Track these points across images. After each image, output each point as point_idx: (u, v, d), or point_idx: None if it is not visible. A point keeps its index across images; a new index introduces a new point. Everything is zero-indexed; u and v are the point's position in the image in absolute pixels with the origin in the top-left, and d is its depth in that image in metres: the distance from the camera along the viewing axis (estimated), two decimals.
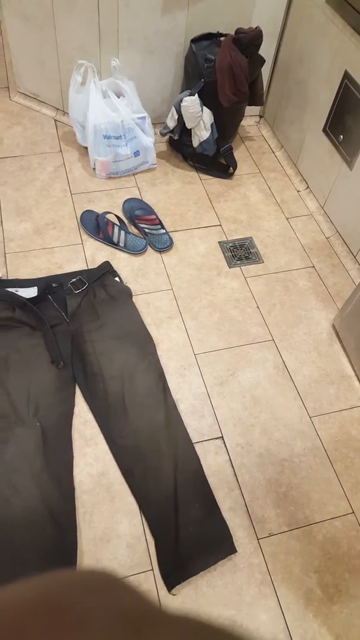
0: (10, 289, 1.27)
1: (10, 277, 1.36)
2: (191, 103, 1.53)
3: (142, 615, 0.23)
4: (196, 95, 1.54)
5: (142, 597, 0.25)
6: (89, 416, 1.13)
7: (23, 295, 1.25)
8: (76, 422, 1.12)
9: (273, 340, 1.31)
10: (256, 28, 1.53)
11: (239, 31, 1.54)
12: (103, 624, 0.21)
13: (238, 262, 1.48)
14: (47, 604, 0.22)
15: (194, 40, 1.57)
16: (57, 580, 0.25)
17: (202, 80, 1.53)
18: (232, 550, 0.98)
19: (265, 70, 1.71)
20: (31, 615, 0.21)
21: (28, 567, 0.93)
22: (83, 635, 0.20)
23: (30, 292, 1.28)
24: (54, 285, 1.29)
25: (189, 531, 0.99)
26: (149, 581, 0.94)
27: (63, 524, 0.99)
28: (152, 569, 0.96)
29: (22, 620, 0.21)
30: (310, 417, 1.17)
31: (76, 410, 1.14)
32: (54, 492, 1.02)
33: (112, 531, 0.99)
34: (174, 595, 0.93)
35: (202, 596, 0.94)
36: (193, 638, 0.21)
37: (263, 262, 1.49)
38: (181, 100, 1.54)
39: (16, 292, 1.27)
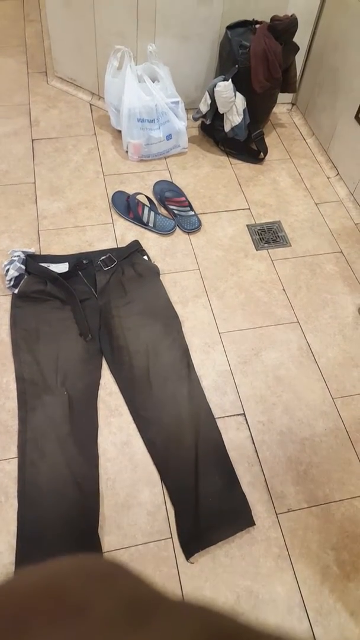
0: (42, 264, 1.31)
1: (42, 253, 1.40)
2: (225, 88, 1.54)
3: (146, 603, 0.23)
4: (230, 80, 1.55)
5: (147, 585, 0.25)
6: (115, 388, 1.16)
7: (55, 270, 1.29)
8: (102, 393, 1.15)
9: (298, 322, 1.31)
10: (291, 16, 1.53)
11: (274, 19, 1.54)
12: (106, 611, 0.21)
13: (265, 245, 1.49)
14: (50, 591, 0.22)
15: (229, 27, 1.58)
16: (61, 567, 0.25)
17: (236, 66, 1.54)
18: (250, 523, 0.99)
19: (299, 59, 1.71)
20: (34, 602, 0.21)
21: (51, 529, 0.97)
22: (85, 622, 0.20)
23: (62, 268, 1.32)
24: (84, 261, 1.33)
25: (208, 502, 1.01)
26: (168, 548, 0.96)
27: (86, 489, 1.02)
28: (172, 537, 0.98)
29: (25, 606, 0.21)
30: (332, 399, 1.17)
31: (102, 381, 1.17)
32: (78, 458, 1.05)
33: (134, 499, 1.01)
34: (191, 563, 0.95)
35: (220, 565, 0.95)
36: (198, 625, 0.21)
37: (290, 246, 1.49)
38: (215, 85, 1.55)
39: (48, 267, 1.31)
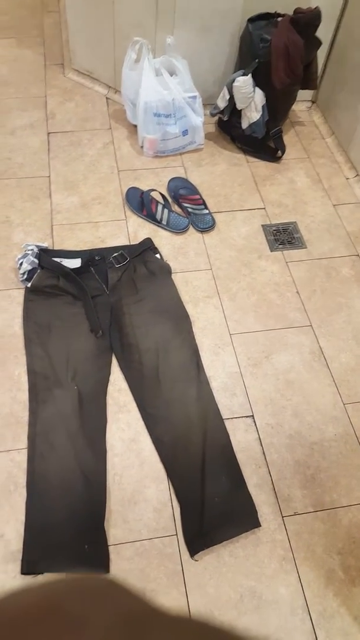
0: (55, 259, 1.32)
1: (55, 248, 1.41)
2: (244, 83, 1.51)
3: (144, 618, 0.23)
4: (249, 75, 1.52)
5: (145, 601, 0.25)
6: (124, 385, 1.17)
7: (67, 266, 1.30)
8: (111, 389, 1.16)
9: (311, 325, 1.30)
10: (315, 8, 1.49)
11: (297, 11, 1.50)
12: (104, 626, 0.21)
13: (280, 246, 1.47)
14: (48, 608, 0.22)
15: (250, 20, 1.55)
16: (59, 584, 0.25)
17: (257, 60, 1.51)
18: (256, 524, 1.00)
19: (321, 55, 1.67)
20: (32, 619, 0.21)
21: (59, 521, 0.98)
22: (84, 637, 0.20)
23: (74, 263, 1.33)
24: (96, 258, 1.33)
25: (214, 502, 1.02)
26: (172, 545, 0.97)
27: (93, 483, 1.03)
28: (177, 534, 0.99)
29: (23, 623, 0.21)
30: (344, 404, 1.17)
31: (112, 378, 1.18)
32: (87, 452, 1.07)
33: (140, 494, 1.02)
34: (196, 560, 0.96)
35: (224, 565, 0.96)
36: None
37: (306, 248, 1.47)
38: (234, 80, 1.53)
39: (61, 262, 1.31)
